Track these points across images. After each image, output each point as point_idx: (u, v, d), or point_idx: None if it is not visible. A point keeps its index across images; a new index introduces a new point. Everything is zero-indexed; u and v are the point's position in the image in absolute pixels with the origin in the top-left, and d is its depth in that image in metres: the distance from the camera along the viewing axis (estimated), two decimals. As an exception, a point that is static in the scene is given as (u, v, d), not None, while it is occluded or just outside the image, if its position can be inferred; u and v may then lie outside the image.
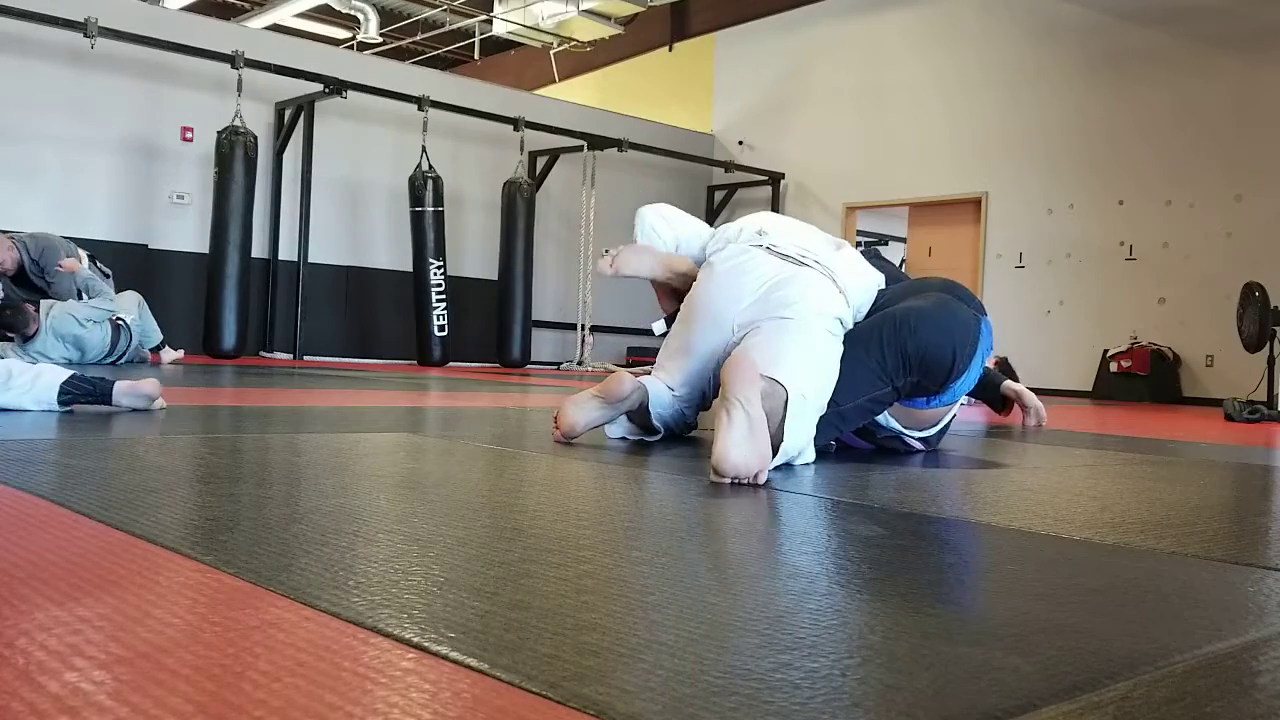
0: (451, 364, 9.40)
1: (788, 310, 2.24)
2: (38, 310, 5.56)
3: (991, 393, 3.96)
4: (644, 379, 2.42)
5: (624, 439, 2.49)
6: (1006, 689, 0.74)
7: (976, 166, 10.21)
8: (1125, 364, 8.87)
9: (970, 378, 2.38)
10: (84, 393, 2.62)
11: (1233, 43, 8.68)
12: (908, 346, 2.26)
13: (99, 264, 6.41)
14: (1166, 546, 1.40)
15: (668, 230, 2.65)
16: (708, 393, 2.45)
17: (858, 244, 13.04)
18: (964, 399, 2.62)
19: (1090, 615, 1.00)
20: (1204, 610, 1.07)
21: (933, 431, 2.58)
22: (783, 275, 2.31)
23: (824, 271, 2.34)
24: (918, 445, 2.61)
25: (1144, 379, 8.75)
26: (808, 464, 2.14)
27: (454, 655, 0.76)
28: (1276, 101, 8.43)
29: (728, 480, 1.78)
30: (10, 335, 5.52)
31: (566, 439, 2.38)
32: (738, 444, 1.78)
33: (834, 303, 2.30)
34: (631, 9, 12.21)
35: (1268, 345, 6.88)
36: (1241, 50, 8.63)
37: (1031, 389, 4.02)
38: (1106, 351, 9.09)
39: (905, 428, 2.53)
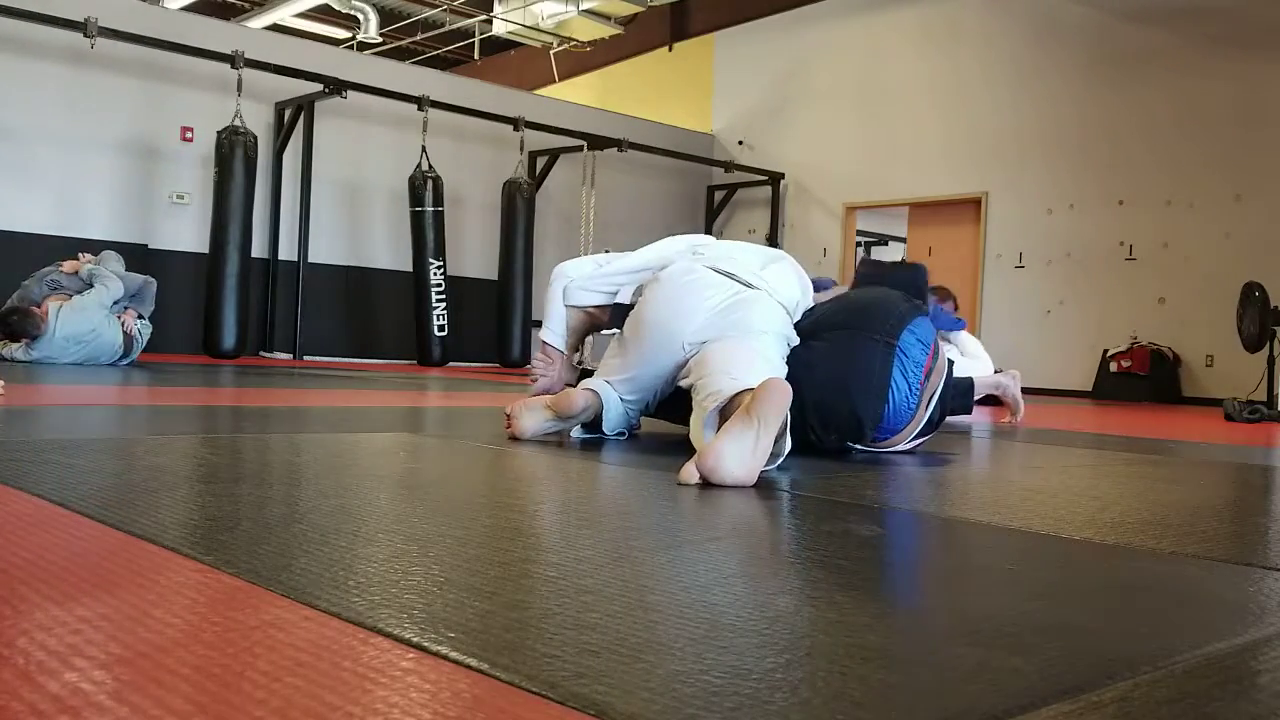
0: (451, 364, 9.39)
1: (747, 329, 2.29)
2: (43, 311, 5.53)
3: (961, 409, 3.91)
4: (598, 386, 2.46)
5: (586, 436, 2.54)
6: (1006, 689, 0.74)
7: (976, 167, 10.21)
8: (1125, 364, 8.86)
9: (897, 401, 2.40)
10: None
11: (1233, 43, 8.67)
12: (805, 417, 2.31)
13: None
14: (1166, 546, 1.40)
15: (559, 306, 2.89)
16: (650, 403, 2.51)
17: (858, 244, 13.05)
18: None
19: (1090, 615, 1.00)
20: (1204, 610, 1.07)
21: (911, 437, 2.53)
22: (737, 297, 2.36)
23: (771, 293, 2.41)
24: (904, 447, 2.58)
25: (1144, 379, 8.75)
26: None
27: (454, 655, 0.76)
28: (1276, 101, 8.43)
29: (696, 481, 1.77)
30: (18, 339, 5.50)
31: (517, 439, 2.41)
32: (736, 458, 1.77)
33: (783, 323, 2.40)
34: (631, 9, 12.20)
35: (1268, 345, 6.88)
36: (1241, 50, 8.62)
37: (1031, 389, 3.98)
38: (1106, 351, 9.09)
39: (876, 449, 2.52)
